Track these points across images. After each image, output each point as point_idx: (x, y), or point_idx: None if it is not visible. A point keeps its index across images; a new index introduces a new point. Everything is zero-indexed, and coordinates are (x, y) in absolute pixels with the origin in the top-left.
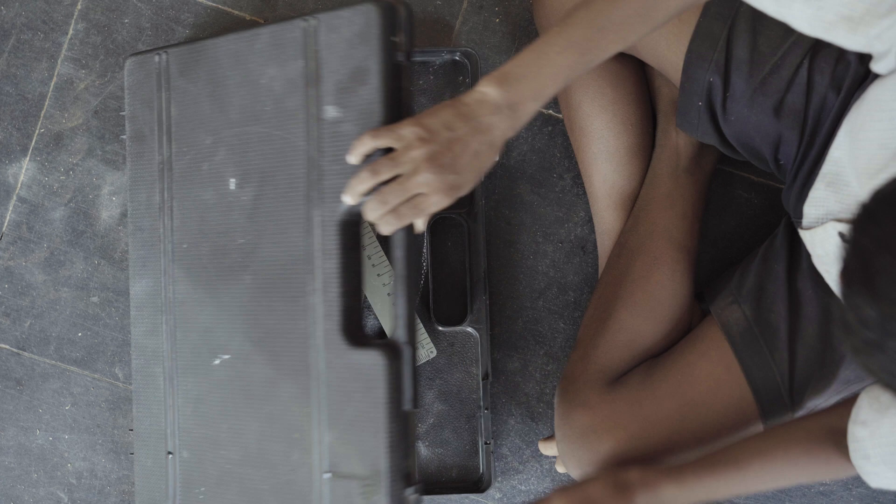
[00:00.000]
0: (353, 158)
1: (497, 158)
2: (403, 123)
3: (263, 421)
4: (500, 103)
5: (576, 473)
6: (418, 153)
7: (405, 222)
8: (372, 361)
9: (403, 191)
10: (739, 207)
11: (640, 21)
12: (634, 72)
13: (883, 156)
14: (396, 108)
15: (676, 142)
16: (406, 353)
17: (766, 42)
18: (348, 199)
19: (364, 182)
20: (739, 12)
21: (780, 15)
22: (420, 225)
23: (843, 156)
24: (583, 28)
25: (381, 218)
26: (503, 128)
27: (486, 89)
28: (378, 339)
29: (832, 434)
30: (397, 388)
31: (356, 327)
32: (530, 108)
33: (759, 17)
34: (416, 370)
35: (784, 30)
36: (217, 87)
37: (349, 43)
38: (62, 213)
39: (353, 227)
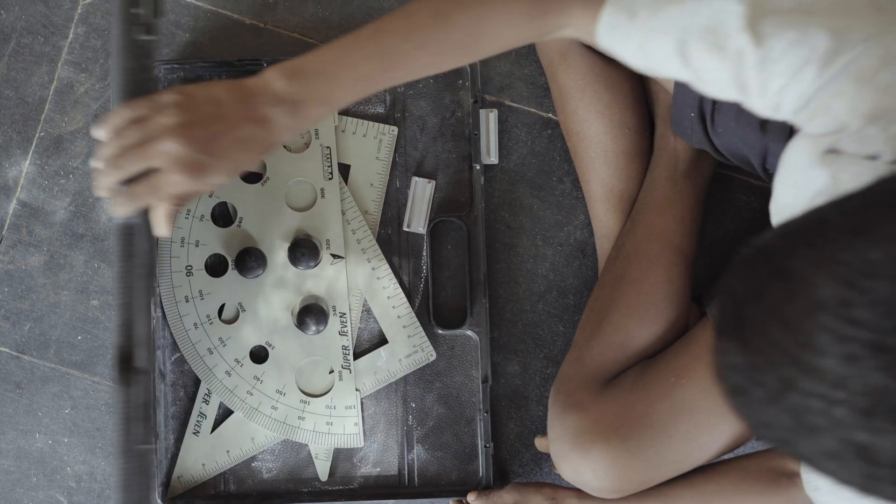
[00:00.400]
0: (100, 132)
1: (264, 157)
2: (165, 91)
3: None
4: (284, 98)
5: (567, 475)
6: (169, 119)
7: (138, 203)
8: (116, 388)
9: (140, 156)
10: (739, 210)
11: (461, 50)
12: (631, 75)
13: (793, 207)
14: (133, 90)
15: (675, 146)
16: (142, 381)
17: None
18: (97, 164)
19: (108, 146)
20: None
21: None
22: (162, 229)
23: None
24: (399, 40)
25: (112, 190)
26: (281, 125)
27: (273, 77)
28: (142, 363)
29: (767, 473)
30: (127, 420)
31: (127, 346)
32: (316, 112)
33: None
34: (152, 401)
35: None
36: None
37: (109, 22)
38: (62, 217)
39: (126, 231)
